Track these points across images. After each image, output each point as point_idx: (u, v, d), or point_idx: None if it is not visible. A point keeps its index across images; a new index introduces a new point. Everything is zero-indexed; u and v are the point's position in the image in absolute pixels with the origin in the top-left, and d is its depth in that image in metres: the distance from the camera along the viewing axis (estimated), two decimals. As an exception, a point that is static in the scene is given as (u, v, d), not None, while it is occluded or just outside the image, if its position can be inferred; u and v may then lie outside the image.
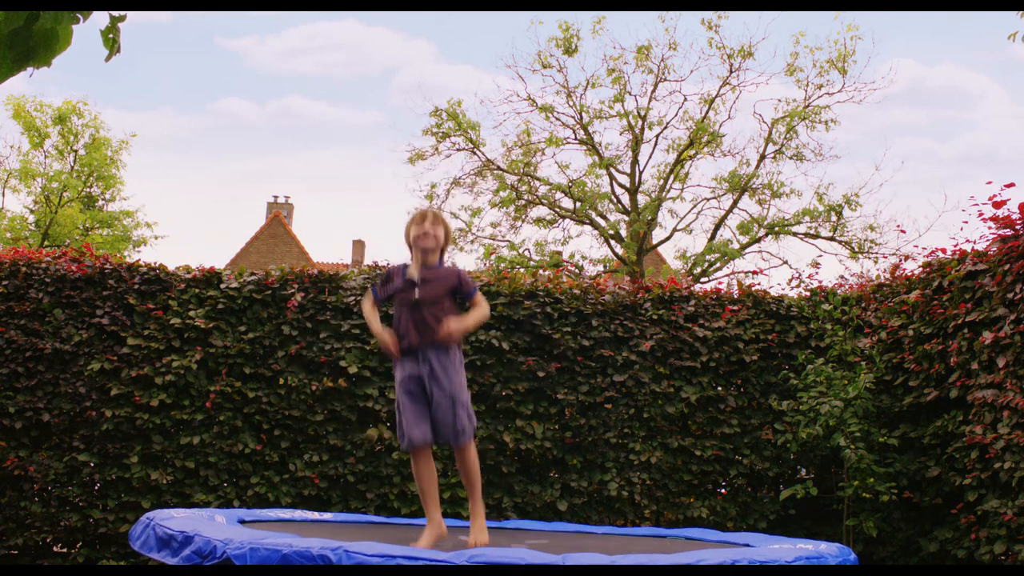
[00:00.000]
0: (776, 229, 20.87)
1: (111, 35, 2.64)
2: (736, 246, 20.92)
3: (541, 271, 12.24)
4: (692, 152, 21.33)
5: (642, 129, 21.37)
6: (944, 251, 6.99)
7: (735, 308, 7.64)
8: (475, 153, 21.75)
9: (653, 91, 21.23)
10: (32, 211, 26.02)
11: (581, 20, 27.59)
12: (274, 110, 53.89)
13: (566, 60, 21.10)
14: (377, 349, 7.11)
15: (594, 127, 21.63)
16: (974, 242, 6.58)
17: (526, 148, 21.52)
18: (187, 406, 6.95)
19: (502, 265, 19.37)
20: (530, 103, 21.46)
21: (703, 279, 20.75)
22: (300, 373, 7.08)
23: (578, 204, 21.13)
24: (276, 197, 39.33)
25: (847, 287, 7.96)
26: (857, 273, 8.52)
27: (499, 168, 21.61)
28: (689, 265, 20.83)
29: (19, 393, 6.78)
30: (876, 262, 19.19)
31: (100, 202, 27.07)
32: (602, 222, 21.57)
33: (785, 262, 21.40)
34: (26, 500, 6.72)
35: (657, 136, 21.53)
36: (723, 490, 7.55)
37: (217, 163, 55.84)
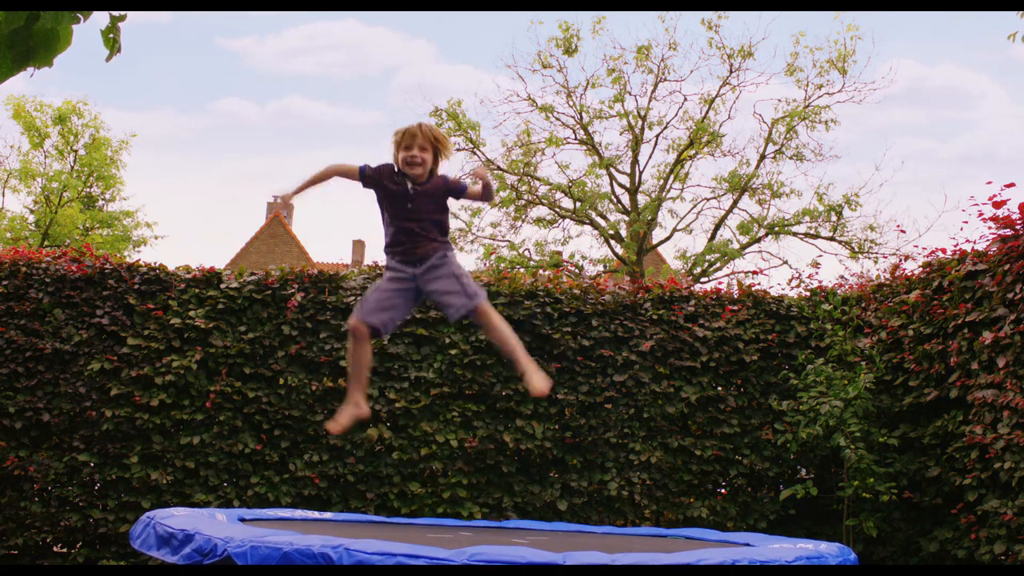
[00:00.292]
0: (776, 229, 20.87)
1: (111, 35, 2.64)
2: (736, 246, 20.91)
3: (541, 271, 12.25)
4: (692, 152, 21.32)
5: (642, 129, 21.36)
6: (944, 251, 7.00)
7: (735, 308, 7.65)
8: (475, 153, 21.74)
9: (653, 91, 21.23)
10: (32, 211, 26.02)
11: (581, 20, 27.57)
12: (274, 110, 53.89)
13: (566, 60, 21.09)
14: (378, 349, 7.11)
15: (594, 127, 21.63)
16: (974, 242, 6.59)
17: (526, 148, 21.50)
18: (187, 406, 6.95)
19: (502, 265, 19.36)
20: (530, 103, 21.45)
21: (703, 279, 20.75)
22: (300, 373, 7.09)
23: (578, 204, 21.12)
24: (276, 197, 39.21)
25: (847, 287, 7.96)
26: (857, 273, 8.52)
27: (499, 168, 21.60)
28: (689, 265, 20.82)
29: (19, 393, 6.78)
30: (876, 262, 19.19)
31: (100, 202, 27.07)
32: (602, 222, 21.56)
33: (785, 262, 21.40)
34: (26, 500, 6.72)
35: (657, 136, 21.52)
36: (723, 490, 7.55)
37: (217, 163, 55.86)
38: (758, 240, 21.10)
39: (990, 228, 6.38)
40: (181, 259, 65.57)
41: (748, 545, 4.67)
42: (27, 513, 6.70)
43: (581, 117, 21.42)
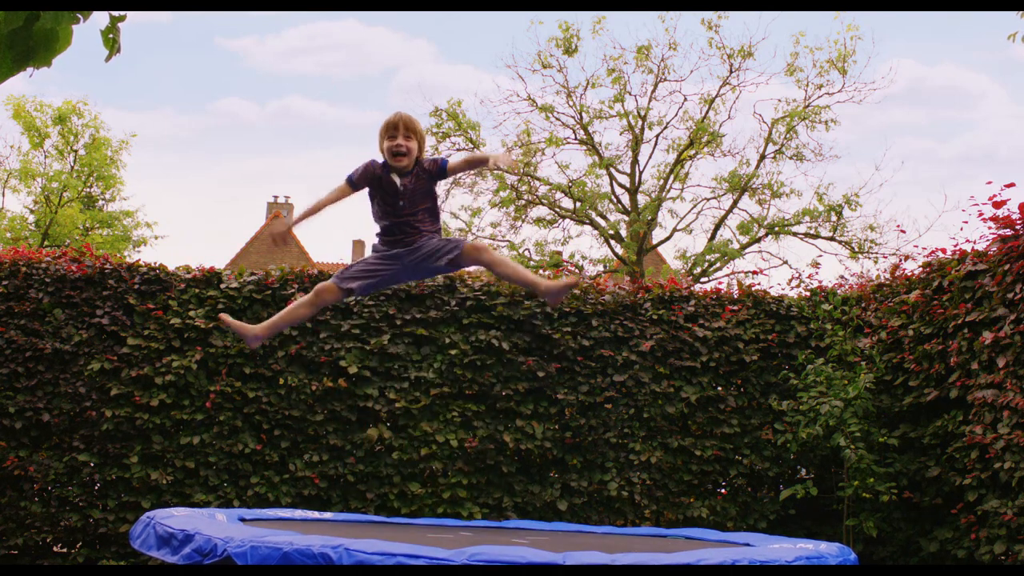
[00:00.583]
0: (776, 229, 20.86)
1: (111, 35, 2.64)
2: (736, 246, 20.89)
3: (541, 271, 12.23)
4: (692, 152, 21.31)
5: (642, 129, 21.35)
6: (944, 251, 7.00)
7: (735, 308, 7.65)
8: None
9: (653, 91, 21.22)
10: (32, 211, 26.01)
11: (581, 20, 27.58)
12: (274, 110, 53.89)
13: (566, 60, 21.07)
14: (378, 349, 7.12)
15: (594, 127, 21.61)
16: (974, 242, 6.59)
17: (526, 148, 21.50)
18: (187, 406, 6.95)
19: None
20: (530, 103, 21.44)
21: (703, 279, 20.74)
22: (300, 373, 7.09)
23: (578, 204, 21.11)
24: (276, 197, 39.30)
25: (847, 287, 7.97)
26: (857, 273, 8.53)
27: (499, 168, 21.57)
28: (689, 265, 20.81)
29: (19, 393, 6.78)
30: (876, 262, 19.17)
31: (100, 202, 27.05)
32: (602, 222, 21.55)
33: (785, 262, 21.38)
34: (26, 500, 6.72)
35: (657, 136, 21.51)
36: (723, 490, 7.55)
37: (217, 163, 55.86)
38: (758, 240, 21.09)
39: (990, 228, 6.38)
40: (181, 259, 65.58)
41: (748, 545, 4.67)
42: (27, 513, 6.70)
43: (581, 117, 21.41)
